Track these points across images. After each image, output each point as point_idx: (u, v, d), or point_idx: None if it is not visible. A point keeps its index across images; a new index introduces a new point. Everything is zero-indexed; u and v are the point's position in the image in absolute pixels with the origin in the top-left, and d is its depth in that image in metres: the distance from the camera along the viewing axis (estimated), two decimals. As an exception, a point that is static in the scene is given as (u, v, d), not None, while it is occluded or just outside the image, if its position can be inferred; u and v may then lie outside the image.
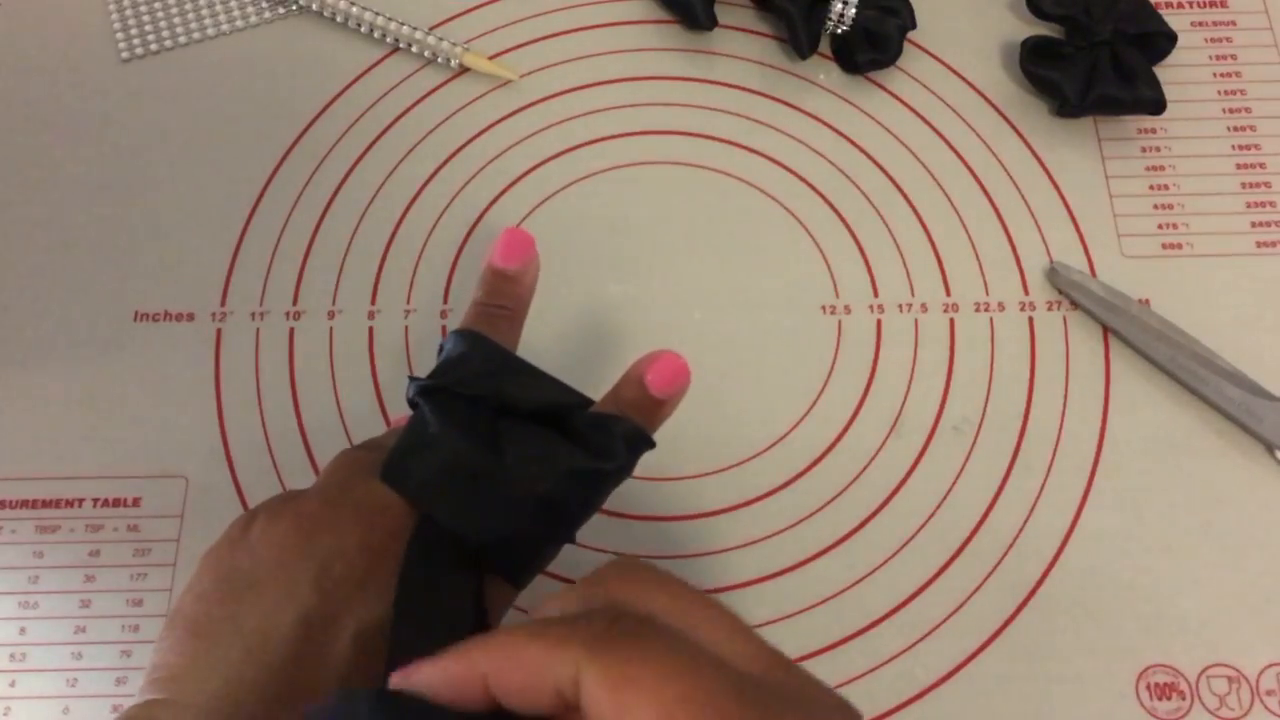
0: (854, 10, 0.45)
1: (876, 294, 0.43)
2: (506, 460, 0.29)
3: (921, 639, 0.38)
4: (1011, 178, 0.45)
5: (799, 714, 0.20)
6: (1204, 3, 0.49)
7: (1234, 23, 0.48)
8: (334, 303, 0.43)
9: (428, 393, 0.31)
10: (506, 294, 0.34)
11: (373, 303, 0.43)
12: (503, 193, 0.45)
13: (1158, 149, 0.46)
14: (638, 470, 0.40)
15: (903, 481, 0.40)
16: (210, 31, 0.48)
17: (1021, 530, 0.39)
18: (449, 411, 0.30)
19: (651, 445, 0.31)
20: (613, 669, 0.19)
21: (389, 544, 0.28)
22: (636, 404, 0.32)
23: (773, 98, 0.47)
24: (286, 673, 0.25)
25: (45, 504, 0.39)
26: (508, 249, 0.34)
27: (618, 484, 0.31)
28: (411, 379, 0.31)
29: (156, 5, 0.48)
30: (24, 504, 0.39)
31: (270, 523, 0.28)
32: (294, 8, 0.48)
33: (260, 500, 0.30)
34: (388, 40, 0.47)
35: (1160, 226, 0.44)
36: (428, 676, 0.20)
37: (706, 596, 0.24)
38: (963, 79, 0.47)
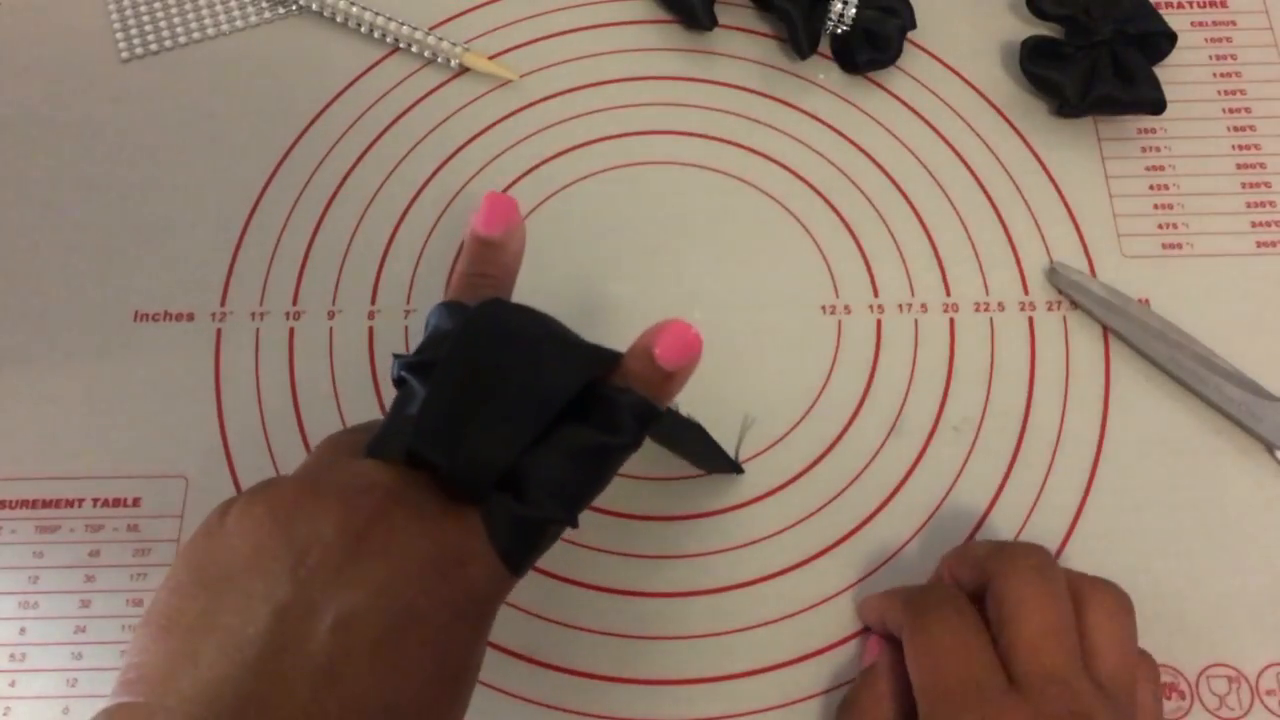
0: (854, 10, 0.45)
1: (876, 294, 0.43)
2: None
3: (921, 639, 0.38)
4: (1011, 178, 0.45)
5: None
6: (1204, 3, 0.49)
7: (1234, 23, 0.48)
8: (334, 303, 0.43)
9: (415, 369, 0.29)
10: (491, 262, 0.33)
11: (373, 303, 0.43)
12: (503, 193, 0.45)
13: (1158, 149, 0.46)
14: (637, 470, 0.40)
15: (903, 481, 0.40)
16: (210, 31, 0.48)
17: (1021, 530, 0.39)
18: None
19: (659, 419, 0.30)
20: (918, 630, 0.32)
21: (371, 527, 0.26)
22: (644, 377, 0.30)
23: (773, 98, 0.47)
24: (263, 669, 0.24)
25: (45, 504, 0.39)
26: (490, 215, 0.33)
27: (623, 460, 0.30)
28: (396, 356, 0.30)
29: (156, 5, 0.48)
30: (24, 504, 0.39)
31: (245, 511, 0.26)
32: (294, 8, 0.48)
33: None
34: (388, 40, 0.47)
35: (1160, 226, 0.44)
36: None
37: (1097, 590, 0.32)
38: (963, 79, 0.47)
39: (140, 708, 0.24)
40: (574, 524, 0.29)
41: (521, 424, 0.28)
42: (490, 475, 0.28)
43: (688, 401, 0.40)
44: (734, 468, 0.39)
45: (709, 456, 0.38)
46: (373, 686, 0.24)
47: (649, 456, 0.40)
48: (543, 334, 0.30)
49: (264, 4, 0.48)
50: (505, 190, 0.45)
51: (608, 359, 0.31)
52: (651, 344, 0.30)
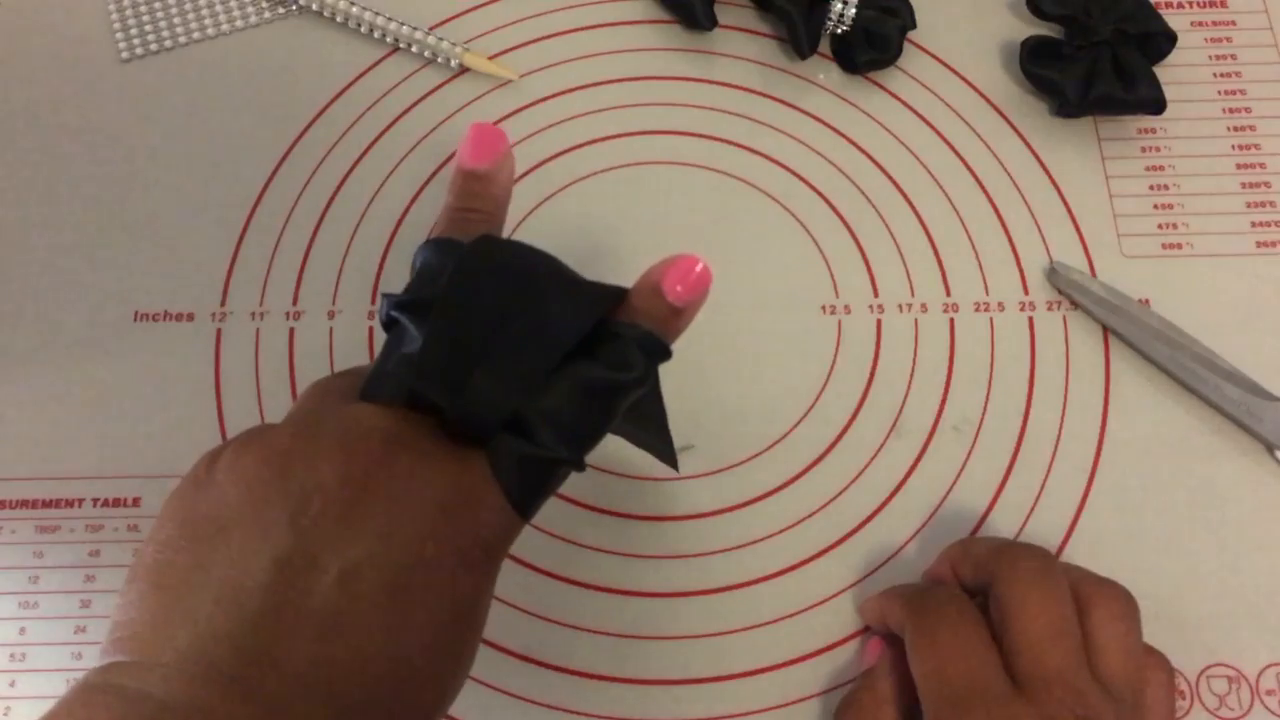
0: (854, 10, 0.45)
1: (876, 294, 0.43)
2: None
3: (921, 639, 0.38)
4: (1011, 178, 0.45)
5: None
6: (1204, 3, 0.49)
7: (1234, 23, 0.48)
8: (334, 303, 0.43)
9: (408, 307, 0.28)
10: (480, 195, 0.31)
11: (372, 303, 0.43)
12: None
13: (1158, 149, 0.46)
14: (637, 470, 0.40)
15: (903, 481, 0.40)
16: (210, 31, 0.48)
17: (1021, 530, 0.39)
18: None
19: (668, 356, 0.29)
20: (921, 632, 0.32)
21: (373, 473, 0.25)
22: (652, 313, 0.29)
23: (773, 98, 0.47)
24: (264, 624, 0.23)
25: (45, 504, 0.39)
26: (476, 146, 0.31)
27: (631, 399, 0.29)
28: (385, 296, 0.29)
29: (156, 5, 0.48)
30: (24, 504, 0.39)
31: (237, 458, 0.25)
32: (294, 8, 0.48)
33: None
34: (388, 40, 0.47)
35: (1160, 226, 0.44)
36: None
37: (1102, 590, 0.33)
38: (963, 79, 0.47)
39: (133, 666, 0.23)
40: (581, 466, 0.28)
41: (530, 365, 0.27)
42: (497, 417, 0.26)
43: (687, 399, 0.40)
44: (672, 461, 0.36)
45: (655, 439, 0.34)
46: (380, 639, 0.23)
47: (650, 456, 0.40)
48: (544, 270, 0.29)
49: (264, 4, 0.48)
50: (505, 190, 0.45)
51: (615, 296, 0.30)
52: (659, 279, 0.29)
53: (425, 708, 0.25)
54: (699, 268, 0.30)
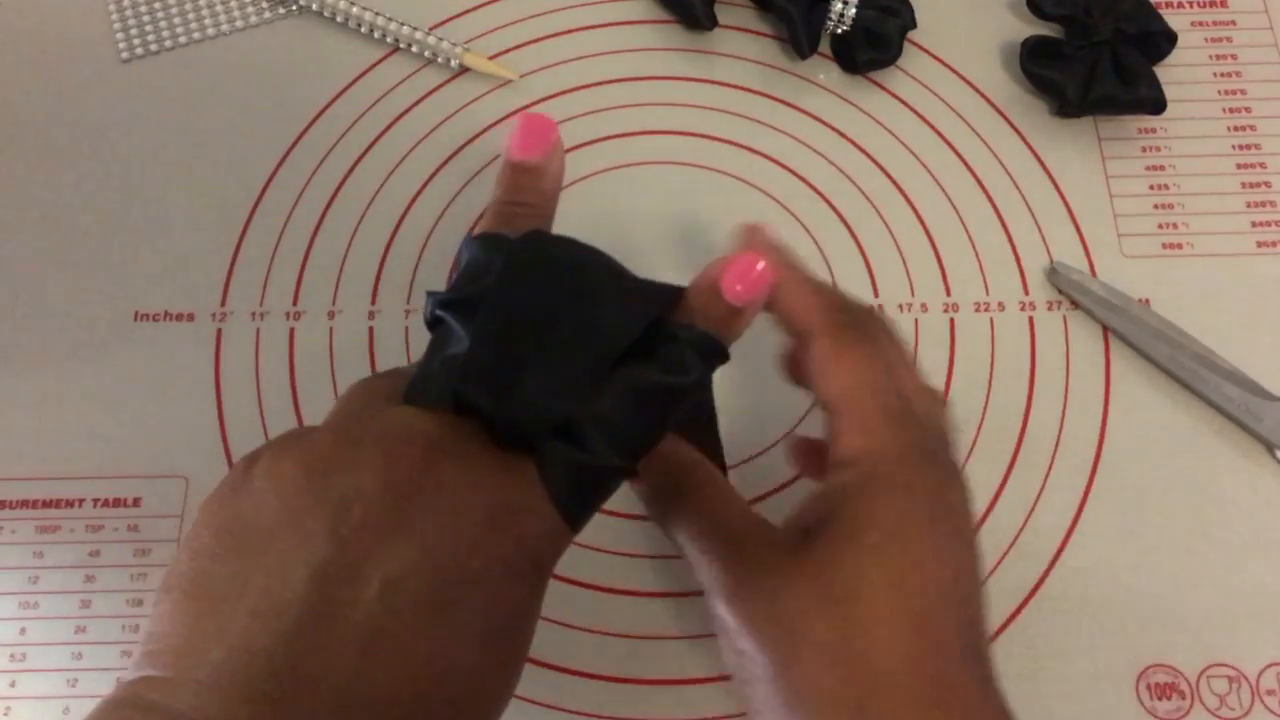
0: (854, 10, 0.45)
1: (876, 294, 0.43)
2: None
3: (921, 639, 0.38)
4: (1011, 178, 0.45)
5: (927, 439, 0.28)
6: (1204, 3, 0.49)
7: (1234, 23, 0.48)
8: (334, 303, 0.43)
9: (454, 306, 0.27)
10: (529, 189, 0.30)
11: (373, 303, 0.43)
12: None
13: (1158, 149, 0.46)
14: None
15: (903, 481, 0.40)
16: (210, 31, 0.48)
17: (1021, 530, 0.39)
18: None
19: (726, 358, 0.28)
20: (835, 342, 0.29)
21: (416, 479, 0.23)
22: (710, 313, 0.28)
23: (773, 98, 0.47)
24: (302, 638, 0.21)
25: (45, 504, 0.39)
26: (526, 138, 0.30)
27: (688, 403, 0.27)
28: (430, 294, 0.27)
29: (156, 5, 0.48)
30: (24, 504, 0.39)
31: (275, 463, 0.24)
32: (294, 8, 0.48)
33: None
34: (388, 40, 0.47)
35: (1160, 226, 0.44)
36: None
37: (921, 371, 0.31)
38: (963, 79, 0.47)
39: (164, 682, 0.21)
40: (634, 474, 0.27)
41: (581, 368, 0.26)
42: (547, 423, 0.25)
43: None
44: (721, 463, 0.34)
45: (705, 439, 0.33)
46: (424, 655, 0.22)
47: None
48: (596, 268, 0.28)
49: (264, 4, 0.48)
50: (505, 190, 0.45)
51: (671, 296, 0.28)
52: (718, 277, 0.28)
53: None
54: (760, 266, 0.29)
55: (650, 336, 0.27)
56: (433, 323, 0.28)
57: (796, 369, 0.31)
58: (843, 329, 0.29)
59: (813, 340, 0.29)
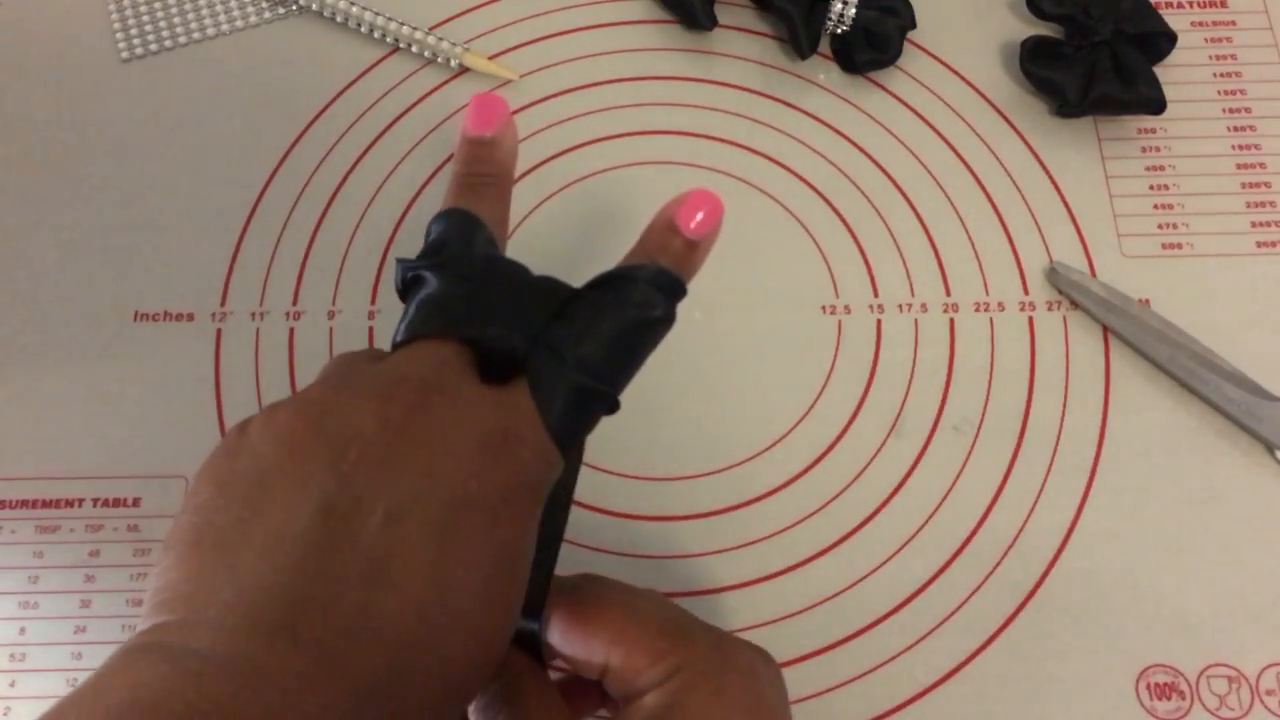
0: (854, 10, 0.45)
1: (876, 294, 0.43)
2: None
3: (921, 639, 0.38)
4: (1011, 178, 0.45)
5: (718, 635, 0.27)
6: (1204, 3, 0.49)
7: (1234, 23, 0.48)
8: (334, 303, 0.43)
9: (421, 266, 0.28)
10: (486, 160, 0.31)
11: (372, 303, 0.43)
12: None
13: (1158, 149, 0.46)
14: (637, 470, 0.40)
15: (903, 481, 0.40)
16: (210, 31, 0.48)
17: (1021, 530, 0.39)
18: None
19: (684, 293, 0.29)
20: (575, 609, 0.27)
21: (411, 416, 0.24)
22: (668, 248, 0.29)
23: (773, 98, 0.47)
24: (310, 570, 0.22)
25: (45, 504, 0.39)
26: (479, 115, 0.31)
27: (658, 338, 0.29)
28: (400, 261, 0.29)
29: (156, 5, 0.48)
30: (24, 504, 0.39)
31: (270, 418, 0.24)
32: (294, 8, 0.48)
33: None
34: (388, 40, 0.47)
35: (1160, 226, 0.44)
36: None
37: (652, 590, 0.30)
38: (963, 79, 0.47)
39: (177, 624, 0.22)
40: (616, 403, 0.28)
41: (549, 299, 0.28)
42: (528, 334, 0.27)
43: (688, 399, 0.40)
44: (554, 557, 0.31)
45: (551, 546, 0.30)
46: (429, 581, 0.23)
47: (649, 456, 0.40)
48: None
49: (264, 4, 0.48)
50: (505, 190, 0.45)
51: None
52: (674, 214, 0.30)
53: (475, 658, 0.24)
54: (712, 199, 0.30)
55: (614, 279, 0.28)
56: (404, 291, 0.29)
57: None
58: (565, 596, 0.28)
59: (549, 628, 0.28)
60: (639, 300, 0.28)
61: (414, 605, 0.23)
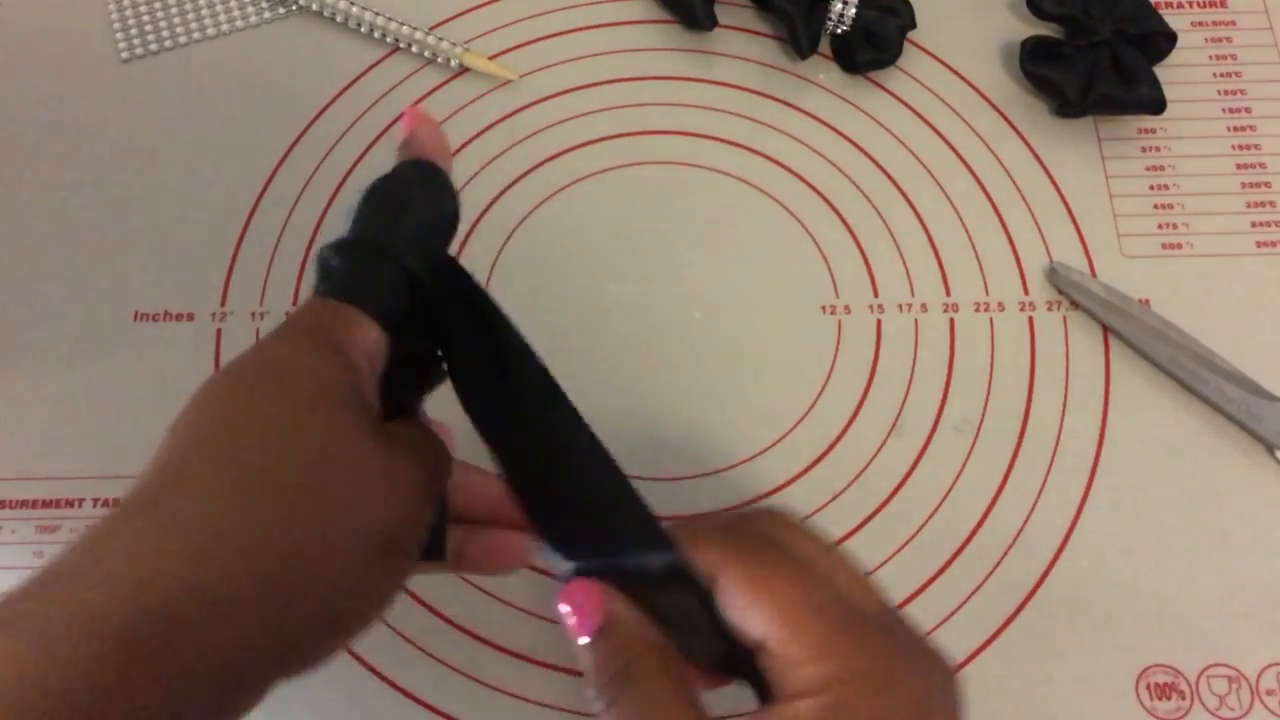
0: (854, 10, 0.45)
1: (876, 294, 0.43)
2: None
3: (921, 639, 0.38)
4: (1011, 178, 0.45)
5: (892, 642, 0.24)
6: (1204, 3, 0.49)
7: (1234, 23, 0.48)
8: (334, 303, 0.43)
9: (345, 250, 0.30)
10: (415, 149, 0.31)
11: (373, 303, 0.43)
12: (503, 193, 0.45)
13: (1158, 149, 0.46)
14: (637, 470, 0.40)
15: (903, 481, 0.40)
16: (210, 31, 0.48)
17: (1021, 530, 0.39)
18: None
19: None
20: (748, 570, 0.24)
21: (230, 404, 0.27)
22: (426, 146, 0.30)
23: (773, 98, 0.47)
24: (137, 537, 0.24)
25: (45, 504, 0.39)
26: (405, 126, 0.32)
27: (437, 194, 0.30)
28: (323, 249, 0.30)
29: (156, 5, 0.48)
30: (24, 504, 0.39)
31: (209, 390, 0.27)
32: (294, 8, 0.48)
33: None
34: (388, 40, 0.47)
35: (1160, 226, 0.44)
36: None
37: (840, 549, 0.27)
38: (963, 79, 0.47)
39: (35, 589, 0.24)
40: (425, 282, 0.29)
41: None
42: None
43: (688, 399, 0.40)
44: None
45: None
46: (263, 533, 0.25)
47: (649, 456, 0.40)
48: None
49: (264, 4, 0.48)
50: (505, 190, 0.45)
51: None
52: (416, 116, 0.31)
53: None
54: (419, 114, 0.31)
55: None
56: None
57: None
58: (742, 551, 0.25)
59: (716, 584, 0.24)
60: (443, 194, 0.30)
61: (253, 563, 0.24)
